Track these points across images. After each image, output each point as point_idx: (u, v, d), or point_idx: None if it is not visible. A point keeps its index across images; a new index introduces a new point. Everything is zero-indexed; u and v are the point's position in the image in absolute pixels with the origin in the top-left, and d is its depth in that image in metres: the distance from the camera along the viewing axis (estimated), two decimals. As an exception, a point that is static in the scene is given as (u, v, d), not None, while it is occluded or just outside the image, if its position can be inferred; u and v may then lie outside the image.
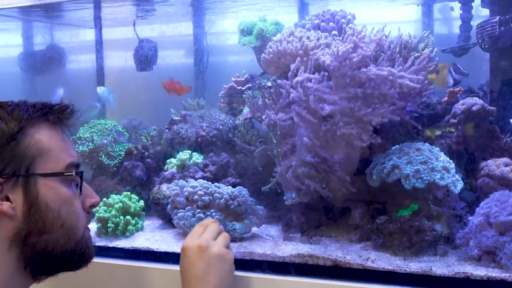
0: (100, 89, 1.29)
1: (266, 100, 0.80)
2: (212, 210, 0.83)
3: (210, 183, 0.88)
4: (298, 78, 0.73)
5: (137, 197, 0.97)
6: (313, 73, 0.74)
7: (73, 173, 0.52)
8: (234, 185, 0.94)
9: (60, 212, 0.50)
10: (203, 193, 0.84)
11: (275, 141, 0.79)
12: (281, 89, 0.76)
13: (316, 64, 0.75)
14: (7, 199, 0.48)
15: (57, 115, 0.53)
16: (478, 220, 0.71)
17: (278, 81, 0.76)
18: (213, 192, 0.84)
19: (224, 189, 0.85)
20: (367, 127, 0.71)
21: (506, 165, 0.78)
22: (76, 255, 0.52)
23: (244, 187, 0.89)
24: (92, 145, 1.13)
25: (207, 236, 0.61)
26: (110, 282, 0.78)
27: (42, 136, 0.50)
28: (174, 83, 1.13)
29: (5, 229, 0.48)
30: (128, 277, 0.78)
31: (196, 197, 0.83)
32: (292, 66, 0.75)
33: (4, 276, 0.48)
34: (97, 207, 0.91)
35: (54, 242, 0.50)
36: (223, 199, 0.82)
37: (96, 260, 0.78)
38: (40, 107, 0.52)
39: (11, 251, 0.48)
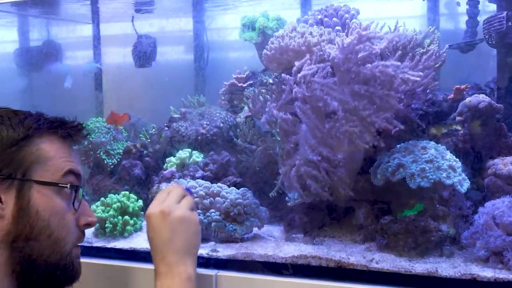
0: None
1: (268, 96, 0.78)
2: (212, 211, 0.82)
3: (209, 183, 0.87)
4: (302, 73, 0.71)
5: (135, 197, 0.95)
6: (318, 68, 0.72)
7: (68, 186, 0.52)
8: (235, 185, 0.92)
9: (49, 222, 0.51)
10: (203, 194, 0.82)
11: (278, 138, 0.77)
12: (283, 86, 0.75)
13: (320, 60, 0.74)
14: None
15: (67, 130, 0.55)
16: (484, 219, 0.69)
17: (283, 74, 0.75)
18: (215, 192, 0.83)
19: (228, 192, 0.83)
20: (370, 128, 0.70)
21: (514, 164, 0.77)
22: (59, 270, 0.52)
23: (245, 187, 0.87)
24: (87, 142, 1.11)
25: (170, 201, 0.60)
26: (108, 283, 0.77)
27: (46, 146, 0.52)
28: (114, 115, 1.12)
29: None
30: (127, 278, 0.76)
31: (197, 199, 0.82)
32: (296, 63, 0.73)
33: None
34: (95, 207, 0.90)
35: (40, 251, 0.50)
36: (224, 204, 0.81)
37: (94, 261, 0.78)
38: (52, 120, 0.54)
39: (1, 253, 0.49)
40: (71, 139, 0.55)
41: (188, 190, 0.65)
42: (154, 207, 0.60)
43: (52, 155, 0.52)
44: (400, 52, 0.76)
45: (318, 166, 0.71)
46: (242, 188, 0.86)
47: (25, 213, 0.49)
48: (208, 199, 0.82)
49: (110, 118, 1.16)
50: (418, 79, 0.70)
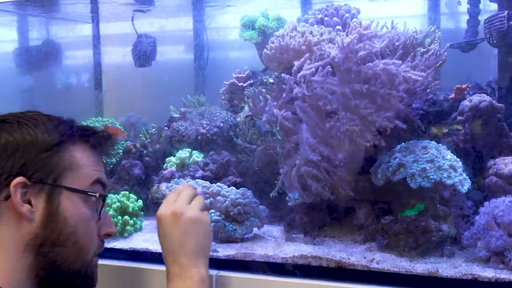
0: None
1: (268, 96, 0.78)
2: (212, 211, 0.81)
3: (208, 183, 0.86)
4: (303, 72, 0.70)
5: (135, 197, 0.95)
6: (317, 68, 0.72)
7: (97, 194, 0.53)
8: (235, 184, 0.92)
9: (76, 229, 0.51)
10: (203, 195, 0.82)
11: (279, 137, 0.77)
12: (283, 85, 0.74)
13: (320, 59, 0.73)
14: (29, 203, 0.49)
15: (98, 139, 0.56)
16: (485, 219, 0.69)
17: (283, 74, 0.74)
18: (214, 192, 0.82)
19: (228, 191, 0.83)
20: (371, 127, 0.70)
21: (515, 163, 0.77)
22: (80, 278, 0.52)
23: (246, 187, 0.87)
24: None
25: (181, 202, 0.60)
26: (107, 284, 0.77)
27: (78, 153, 0.53)
28: (109, 129, 1.11)
29: (23, 231, 0.49)
30: (126, 279, 0.76)
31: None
32: (295, 62, 0.73)
33: (17, 281, 0.49)
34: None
35: (64, 257, 0.51)
36: (225, 204, 0.80)
37: (93, 261, 0.77)
38: (85, 128, 0.56)
39: (26, 256, 0.49)
40: (100, 148, 0.56)
41: (201, 193, 0.66)
42: (165, 209, 0.60)
43: (83, 163, 0.53)
44: (401, 51, 0.76)
45: (319, 166, 0.71)
46: (241, 188, 0.86)
47: (54, 218, 0.50)
48: (208, 200, 0.82)
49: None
50: (420, 78, 0.69)
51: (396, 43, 0.78)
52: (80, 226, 0.51)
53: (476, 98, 0.83)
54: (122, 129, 1.15)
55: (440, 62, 0.79)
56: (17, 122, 0.51)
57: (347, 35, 0.74)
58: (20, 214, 0.48)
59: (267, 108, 0.76)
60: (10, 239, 0.49)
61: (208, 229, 0.61)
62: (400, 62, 0.70)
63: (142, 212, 0.95)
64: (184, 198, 0.61)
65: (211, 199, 0.82)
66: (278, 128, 0.75)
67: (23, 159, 0.49)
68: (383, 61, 0.69)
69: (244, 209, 0.82)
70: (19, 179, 0.48)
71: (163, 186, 0.96)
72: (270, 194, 0.81)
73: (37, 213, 0.49)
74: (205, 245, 0.60)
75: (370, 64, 0.69)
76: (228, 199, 0.81)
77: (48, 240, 0.49)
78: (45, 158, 0.50)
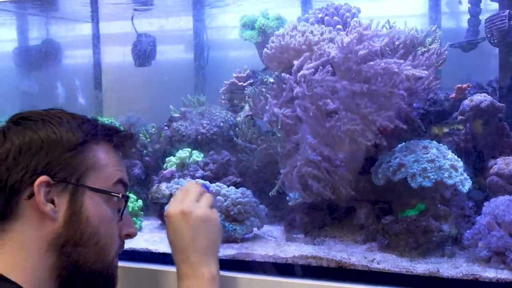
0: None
1: (268, 95, 0.78)
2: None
3: (208, 182, 0.86)
4: (303, 72, 0.70)
5: (135, 197, 0.95)
6: (318, 67, 0.71)
7: (120, 195, 0.53)
8: (235, 184, 0.92)
9: (98, 229, 0.51)
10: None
11: (280, 136, 0.76)
12: (283, 85, 0.74)
13: (321, 59, 0.73)
14: (52, 202, 0.49)
15: (121, 139, 0.55)
16: (487, 220, 0.69)
17: (283, 74, 0.74)
18: (214, 191, 0.82)
19: (228, 191, 0.82)
20: (372, 126, 0.69)
21: (516, 163, 0.76)
22: (101, 279, 0.52)
23: (246, 186, 0.87)
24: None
25: (190, 200, 0.60)
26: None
27: (101, 153, 0.52)
28: None
29: (45, 230, 0.49)
30: (126, 279, 0.76)
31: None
32: (295, 62, 0.73)
33: (39, 280, 0.48)
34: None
35: (86, 257, 0.50)
36: (225, 203, 0.80)
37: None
38: (108, 128, 0.55)
39: (48, 256, 0.49)
40: (123, 148, 0.56)
41: (205, 187, 0.64)
42: (174, 207, 0.59)
43: (106, 163, 0.52)
44: (402, 51, 0.76)
45: (319, 166, 0.71)
46: (241, 188, 0.85)
47: (77, 218, 0.49)
48: None
49: None
50: (423, 75, 0.69)
51: (396, 43, 0.77)
52: (102, 226, 0.51)
53: (477, 97, 0.82)
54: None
55: (440, 62, 0.79)
56: (41, 120, 0.50)
57: (347, 35, 0.74)
58: (43, 213, 0.48)
59: (267, 107, 0.75)
60: (32, 239, 0.48)
61: (217, 227, 0.61)
62: (402, 61, 0.69)
63: (142, 212, 0.95)
64: (192, 196, 0.60)
65: None
66: (279, 127, 0.75)
67: (47, 158, 0.48)
68: (384, 60, 0.69)
69: (244, 208, 0.81)
70: (43, 178, 0.48)
71: (163, 186, 0.95)
72: (270, 193, 0.81)
73: (60, 213, 0.49)
74: (215, 242, 0.60)
75: (371, 63, 0.69)
76: (228, 198, 0.80)
77: (71, 240, 0.49)
78: (69, 158, 0.49)
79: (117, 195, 0.52)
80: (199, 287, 0.56)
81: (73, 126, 0.51)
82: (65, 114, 0.53)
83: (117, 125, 1.12)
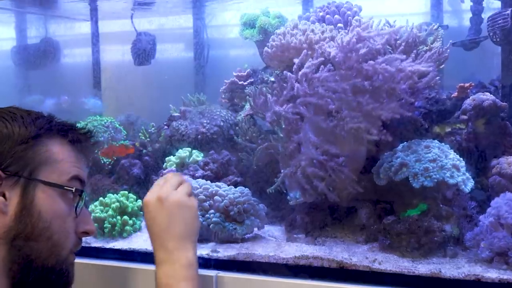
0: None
1: (269, 95, 0.77)
2: (212, 211, 0.81)
3: (209, 182, 0.85)
4: (304, 70, 0.70)
5: (135, 197, 0.94)
6: (319, 66, 0.71)
7: (73, 189, 0.52)
8: (235, 184, 0.91)
9: (50, 224, 0.50)
10: (204, 197, 0.81)
11: (281, 135, 0.76)
12: (284, 83, 0.74)
13: (322, 57, 0.72)
14: (3, 196, 0.49)
15: (77, 134, 0.55)
16: (489, 220, 0.68)
17: (284, 72, 0.74)
18: (214, 193, 0.82)
19: (226, 190, 0.82)
20: (377, 122, 0.69)
21: (519, 163, 0.76)
22: (54, 275, 0.51)
23: (246, 186, 0.86)
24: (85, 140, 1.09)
25: (167, 187, 0.60)
26: (107, 284, 0.76)
27: (56, 148, 0.52)
28: (116, 149, 1.08)
29: None
30: (125, 280, 0.75)
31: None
32: (296, 60, 0.72)
33: None
34: (93, 207, 0.89)
35: (38, 252, 0.50)
36: (223, 203, 0.79)
37: (92, 262, 0.77)
38: (64, 123, 0.55)
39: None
40: (80, 145, 0.55)
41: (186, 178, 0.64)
42: (151, 194, 0.60)
43: (61, 158, 0.52)
44: (402, 47, 0.75)
45: (325, 166, 0.70)
46: (239, 187, 0.85)
47: (28, 212, 0.49)
48: (208, 202, 0.81)
49: (107, 151, 1.08)
50: (430, 69, 0.68)
51: (399, 41, 0.77)
52: (55, 221, 0.50)
53: (479, 96, 0.82)
54: (128, 144, 1.10)
55: (442, 60, 0.78)
56: None
57: (348, 33, 0.73)
58: None
59: (269, 105, 0.75)
60: None
61: (194, 213, 0.60)
62: (404, 56, 0.69)
63: (142, 212, 0.94)
64: (170, 184, 0.60)
65: (211, 201, 0.81)
66: (283, 126, 0.75)
67: None
68: (385, 57, 0.69)
69: (244, 207, 0.81)
70: None
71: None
72: (267, 190, 0.80)
73: (11, 206, 0.48)
74: (192, 229, 0.59)
75: (372, 62, 0.68)
76: (226, 198, 0.80)
77: (22, 233, 0.49)
78: (20, 151, 0.49)
79: (70, 189, 0.51)
80: (175, 273, 0.55)
81: (26, 121, 0.51)
82: (20, 110, 0.53)
83: (123, 142, 1.10)
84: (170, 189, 0.60)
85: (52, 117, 0.54)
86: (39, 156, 0.50)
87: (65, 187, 0.51)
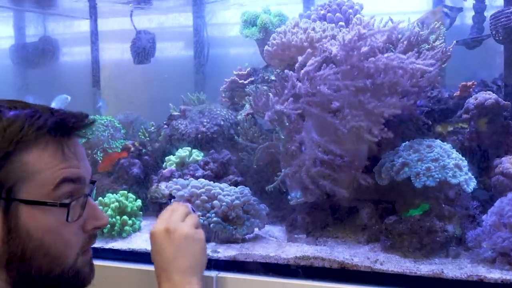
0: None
1: (270, 94, 0.77)
2: (212, 212, 0.80)
3: (212, 182, 0.85)
4: (306, 69, 0.69)
5: (134, 196, 0.94)
6: (321, 65, 0.70)
7: (57, 204, 0.46)
8: (236, 184, 0.91)
9: (42, 241, 0.46)
10: (206, 198, 0.80)
11: (282, 137, 0.75)
12: (285, 82, 0.73)
13: (323, 56, 0.72)
14: None
15: (63, 128, 0.48)
16: (492, 220, 0.68)
17: (285, 71, 0.73)
18: (216, 195, 0.81)
19: (226, 194, 0.81)
20: (379, 120, 0.68)
21: (521, 163, 0.75)
22: (63, 280, 0.49)
23: (247, 186, 0.86)
24: (84, 139, 1.09)
25: (174, 219, 0.60)
26: (106, 285, 0.75)
27: (31, 157, 0.46)
28: (110, 157, 1.06)
29: None
30: (125, 280, 0.75)
31: (198, 201, 0.81)
32: (299, 58, 0.71)
33: None
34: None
35: (38, 269, 0.47)
36: (221, 208, 0.79)
37: (91, 262, 0.76)
38: (46, 118, 0.47)
39: None
40: (67, 138, 0.49)
41: (191, 208, 0.64)
42: (158, 225, 0.60)
43: (41, 168, 0.46)
44: (404, 45, 0.74)
45: (331, 165, 0.69)
46: (240, 186, 0.84)
47: (16, 235, 0.45)
48: (210, 203, 0.81)
49: (104, 165, 1.06)
50: (430, 68, 0.68)
51: (401, 41, 0.76)
52: (47, 237, 0.46)
53: (481, 95, 0.81)
54: (124, 145, 1.08)
55: (445, 59, 0.78)
56: None
57: (349, 32, 0.72)
58: None
59: (270, 105, 0.74)
60: None
61: (202, 246, 0.60)
62: (404, 56, 0.68)
63: (141, 212, 0.93)
64: (178, 215, 0.60)
65: (212, 202, 0.81)
66: (286, 123, 0.74)
67: None
68: (386, 54, 0.68)
69: (244, 208, 0.80)
70: None
71: (162, 185, 0.94)
72: (266, 188, 0.79)
73: None
74: (199, 262, 0.59)
75: (372, 58, 0.68)
76: (223, 203, 0.79)
77: (14, 257, 0.45)
78: None
79: (54, 203, 0.46)
80: None
81: None
82: None
83: (116, 147, 1.04)
84: (177, 220, 0.59)
85: (24, 120, 0.46)
86: (14, 173, 0.45)
87: (48, 203, 0.46)
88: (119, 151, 1.09)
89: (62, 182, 0.47)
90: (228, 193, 0.81)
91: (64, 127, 0.48)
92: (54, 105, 1.20)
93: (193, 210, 0.64)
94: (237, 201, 0.80)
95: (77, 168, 0.49)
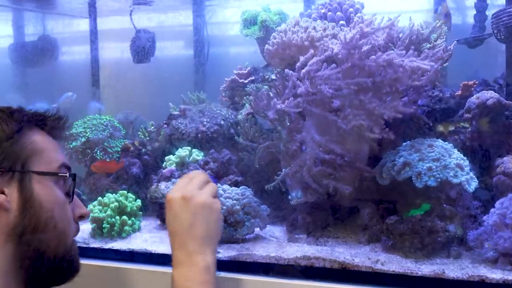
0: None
1: (271, 93, 0.76)
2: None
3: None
4: (306, 69, 0.69)
5: (133, 196, 0.93)
6: (322, 64, 0.70)
7: (67, 174, 0.53)
8: (236, 183, 0.90)
9: (53, 213, 0.51)
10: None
11: (283, 136, 0.75)
12: (286, 82, 0.72)
13: (324, 56, 0.71)
14: (2, 193, 0.49)
15: (52, 124, 0.55)
16: (493, 220, 0.67)
17: (286, 70, 0.73)
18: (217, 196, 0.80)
19: (227, 197, 0.80)
20: (379, 120, 0.68)
21: (523, 162, 0.75)
22: (66, 262, 0.52)
23: (247, 185, 0.85)
24: (84, 138, 1.09)
25: (193, 186, 0.59)
26: (105, 285, 0.75)
27: (37, 138, 0.53)
28: (107, 164, 1.06)
29: (1, 222, 0.48)
30: (124, 280, 0.75)
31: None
32: (301, 57, 0.71)
33: (2, 272, 0.48)
34: (92, 207, 0.88)
35: (47, 243, 0.50)
36: (222, 212, 0.78)
37: (91, 262, 0.76)
38: (38, 114, 0.55)
39: (7, 247, 0.48)
40: (55, 133, 0.56)
41: (211, 177, 0.63)
42: (175, 192, 0.59)
43: (46, 147, 0.53)
44: (405, 43, 0.74)
45: (332, 164, 0.69)
46: (241, 187, 0.84)
47: (30, 205, 0.49)
48: None
49: (98, 167, 1.06)
50: (428, 67, 0.68)
51: (402, 39, 0.76)
52: (56, 209, 0.51)
53: (483, 95, 0.81)
54: (116, 158, 1.08)
55: (446, 58, 0.77)
56: None
57: (350, 31, 0.72)
58: None
59: (271, 104, 0.74)
60: None
61: (218, 216, 0.59)
62: (404, 52, 0.68)
63: (141, 212, 0.93)
64: (195, 183, 0.59)
65: None
66: (287, 123, 0.73)
67: None
68: (387, 52, 0.68)
69: (244, 210, 0.80)
70: None
71: (162, 185, 0.94)
72: (266, 187, 0.79)
73: (13, 203, 0.49)
74: (214, 232, 0.58)
75: (373, 56, 0.68)
76: (224, 207, 0.78)
77: (28, 227, 0.49)
78: (9, 146, 0.50)
79: (65, 174, 0.53)
80: (192, 275, 0.54)
81: (3, 117, 0.51)
82: None
83: (112, 158, 1.06)
84: (195, 188, 0.59)
85: (22, 109, 0.54)
86: (26, 149, 0.51)
87: (60, 174, 0.52)
88: (119, 150, 1.09)
89: (63, 166, 0.54)
90: (229, 195, 0.81)
91: (51, 122, 0.55)
92: (60, 102, 1.22)
93: (212, 178, 0.62)
94: (237, 207, 0.79)
95: (67, 160, 0.55)
